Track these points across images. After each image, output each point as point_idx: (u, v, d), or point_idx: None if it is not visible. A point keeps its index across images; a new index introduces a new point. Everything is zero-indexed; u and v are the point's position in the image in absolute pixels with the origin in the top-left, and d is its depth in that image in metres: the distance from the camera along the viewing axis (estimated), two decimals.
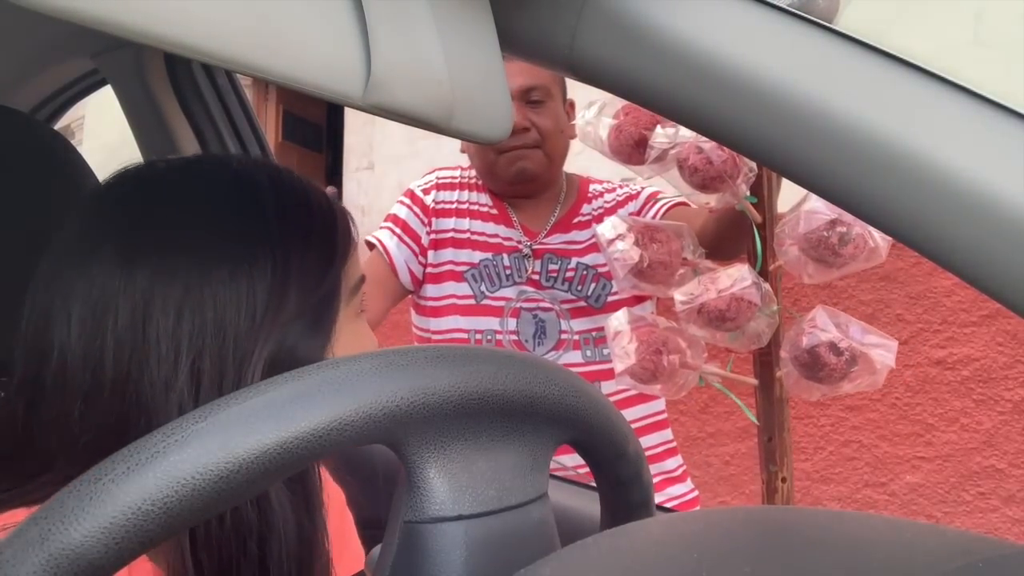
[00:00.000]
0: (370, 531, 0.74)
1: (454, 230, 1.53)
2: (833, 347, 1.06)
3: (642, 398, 1.49)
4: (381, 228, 1.58)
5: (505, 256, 1.50)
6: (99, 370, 0.55)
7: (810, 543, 0.34)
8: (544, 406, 0.44)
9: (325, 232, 0.63)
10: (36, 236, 0.74)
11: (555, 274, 1.49)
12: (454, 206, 1.55)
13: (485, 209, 1.54)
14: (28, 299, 0.59)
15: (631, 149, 1.16)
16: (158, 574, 0.56)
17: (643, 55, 0.52)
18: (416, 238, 1.53)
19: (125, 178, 0.63)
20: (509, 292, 1.49)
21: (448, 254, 1.52)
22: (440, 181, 1.59)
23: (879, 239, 1.06)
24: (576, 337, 1.49)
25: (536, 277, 1.49)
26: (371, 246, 1.55)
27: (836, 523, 0.36)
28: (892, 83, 0.47)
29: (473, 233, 1.52)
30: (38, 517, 0.30)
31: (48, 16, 0.34)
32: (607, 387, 1.42)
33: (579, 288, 1.49)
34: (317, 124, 7.15)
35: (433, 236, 1.53)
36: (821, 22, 0.49)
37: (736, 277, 1.10)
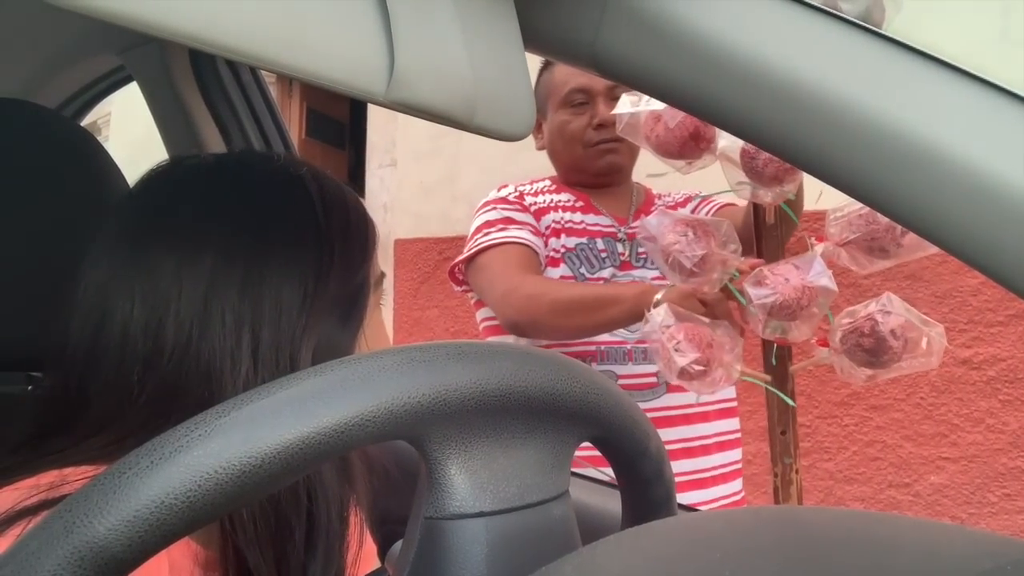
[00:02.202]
0: (390, 527, 0.74)
1: (553, 222, 1.56)
2: (895, 330, 1.06)
3: (728, 412, 1.56)
4: (498, 231, 1.53)
5: (599, 240, 1.55)
6: (160, 338, 0.58)
7: (834, 544, 0.34)
8: (566, 403, 0.44)
9: (360, 226, 0.68)
10: (62, 231, 0.74)
11: (644, 255, 1.55)
12: (545, 205, 1.59)
13: (570, 203, 1.59)
14: (82, 276, 0.61)
15: (685, 140, 1.18)
16: (198, 552, 0.58)
17: (667, 50, 0.51)
18: (535, 229, 1.54)
19: (183, 165, 0.67)
20: (605, 274, 1.53)
21: (552, 243, 1.55)
22: (521, 190, 1.61)
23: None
24: None
25: (626, 258, 1.55)
26: (485, 250, 1.51)
27: (861, 524, 0.36)
28: (918, 79, 0.46)
29: (566, 222, 1.56)
30: (63, 510, 0.30)
31: (75, 13, 0.35)
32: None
33: None
34: (340, 121, 7.18)
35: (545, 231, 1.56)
36: (843, 15, 0.48)
37: (809, 267, 1.11)
